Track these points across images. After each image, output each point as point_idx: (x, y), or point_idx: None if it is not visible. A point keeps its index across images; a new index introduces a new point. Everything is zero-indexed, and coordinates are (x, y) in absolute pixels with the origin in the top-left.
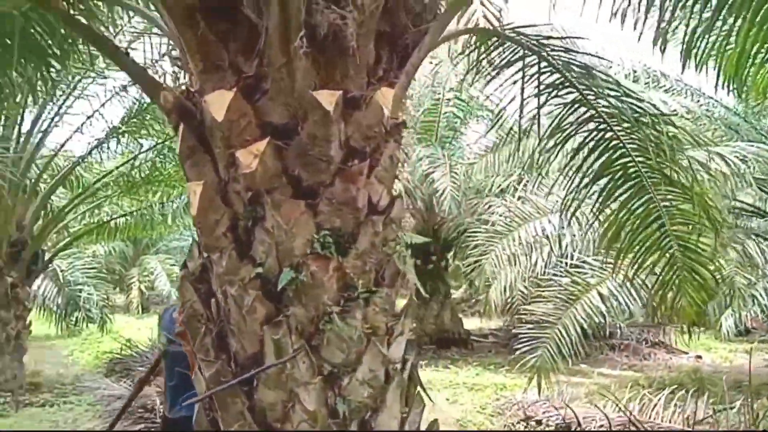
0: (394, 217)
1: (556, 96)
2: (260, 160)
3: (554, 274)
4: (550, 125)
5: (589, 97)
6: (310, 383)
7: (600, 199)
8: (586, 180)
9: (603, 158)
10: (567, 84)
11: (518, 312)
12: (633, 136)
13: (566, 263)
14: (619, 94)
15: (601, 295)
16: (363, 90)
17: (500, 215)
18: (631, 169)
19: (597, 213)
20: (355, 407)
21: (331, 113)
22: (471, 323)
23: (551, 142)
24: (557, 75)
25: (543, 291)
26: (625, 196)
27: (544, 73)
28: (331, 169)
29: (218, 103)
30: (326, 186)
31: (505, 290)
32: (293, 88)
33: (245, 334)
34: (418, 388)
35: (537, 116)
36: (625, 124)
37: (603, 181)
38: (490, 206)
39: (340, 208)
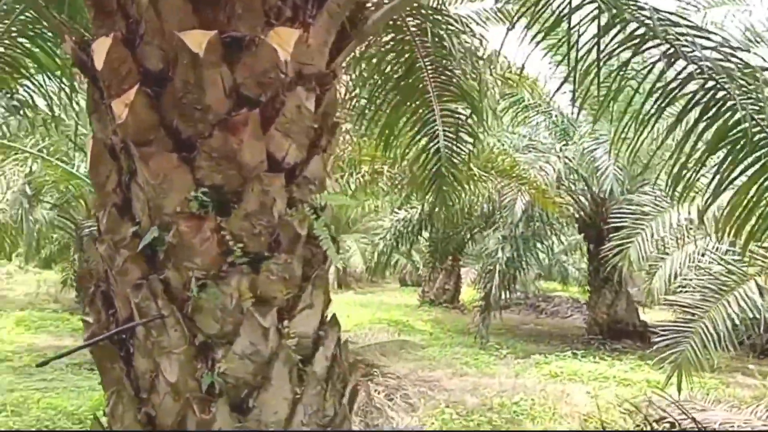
0: (309, 175)
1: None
2: (130, 109)
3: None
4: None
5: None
6: (173, 353)
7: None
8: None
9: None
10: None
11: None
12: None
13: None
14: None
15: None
16: (255, 31)
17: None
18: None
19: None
20: (231, 383)
21: (200, 56)
22: (659, 315)
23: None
24: None
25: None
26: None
27: None
28: (210, 120)
29: (100, 51)
30: (205, 138)
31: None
32: (162, 29)
33: (119, 296)
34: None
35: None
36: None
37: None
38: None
39: (220, 163)
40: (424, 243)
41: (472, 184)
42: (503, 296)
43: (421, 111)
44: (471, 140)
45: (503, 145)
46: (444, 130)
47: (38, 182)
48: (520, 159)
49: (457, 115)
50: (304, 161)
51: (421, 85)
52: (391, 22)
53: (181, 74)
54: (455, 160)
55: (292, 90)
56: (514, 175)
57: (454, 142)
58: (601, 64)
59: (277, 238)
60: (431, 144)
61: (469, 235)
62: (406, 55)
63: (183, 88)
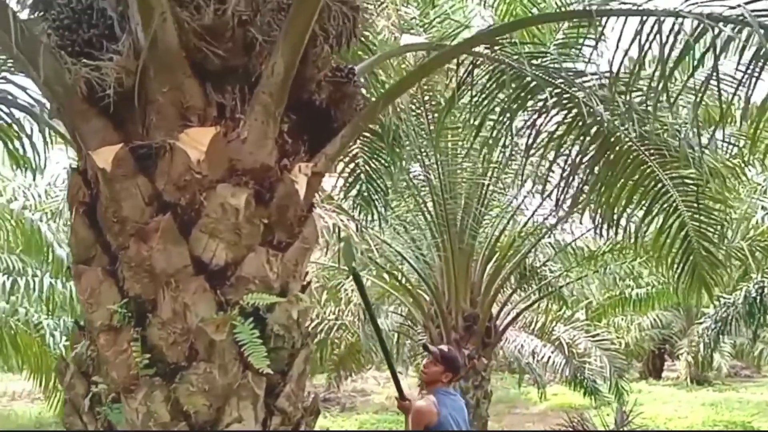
0: (246, 275)
1: None
2: (72, 230)
3: None
4: None
5: None
6: None
7: None
8: None
9: None
10: None
11: None
12: None
13: None
14: None
15: None
16: (173, 137)
17: None
18: None
19: None
20: None
21: (108, 171)
22: None
23: None
24: None
25: None
26: None
27: None
28: (128, 230)
29: None
30: (124, 249)
31: None
32: (84, 150)
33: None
34: None
35: None
36: None
37: None
38: None
39: (137, 272)
40: None
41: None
42: None
43: (647, 183)
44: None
45: None
46: (683, 200)
47: None
48: None
49: (692, 181)
50: (237, 261)
51: (633, 154)
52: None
53: (102, 190)
54: (707, 233)
55: (212, 189)
56: None
57: (699, 212)
58: None
59: (194, 346)
60: (670, 219)
61: None
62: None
63: (105, 204)
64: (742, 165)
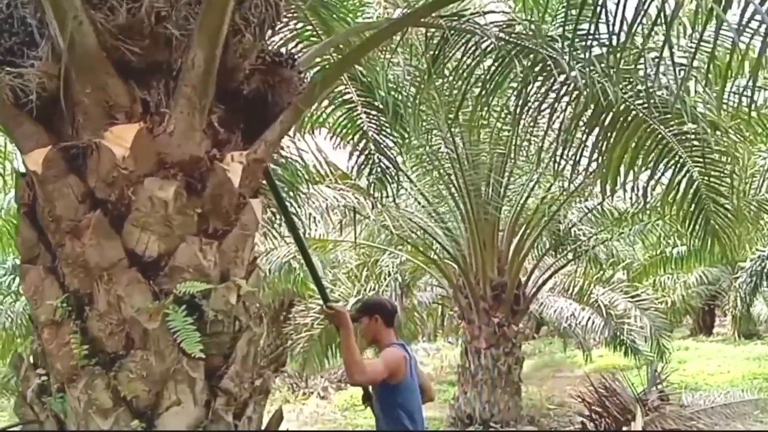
0: (180, 264)
1: None
2: (18, 232)
3: None
4: None
5: None
6: None
7: None
8: None
9: None
10: None
11: None
12: None
13: None
14: None
15: None
16: (99, 135)
17: None
18: None
19: None
20: None
21: (39, 173)
22: None
23: None
24: None
25: None
26: None
27: None
28: (63, 228)
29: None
30: (61, 246)
31: None
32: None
33: None
34: None
35: None
36: None
37: None
38: None
39: (74, 268)
40: None
41: None
42: None
43: (649, 143)
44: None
45: None
46: (690, 156)
47: None
48: None
49: (696, 136)
50: (170, 251)
51: (633, 113)
52: None
53: (37, 190)
54: (720, 188)
55: (140, 183)
56: None
57: (708, 167)
58: None
59: (130, 335)
60: (680, 176)
61: None
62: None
63: (42, 204)
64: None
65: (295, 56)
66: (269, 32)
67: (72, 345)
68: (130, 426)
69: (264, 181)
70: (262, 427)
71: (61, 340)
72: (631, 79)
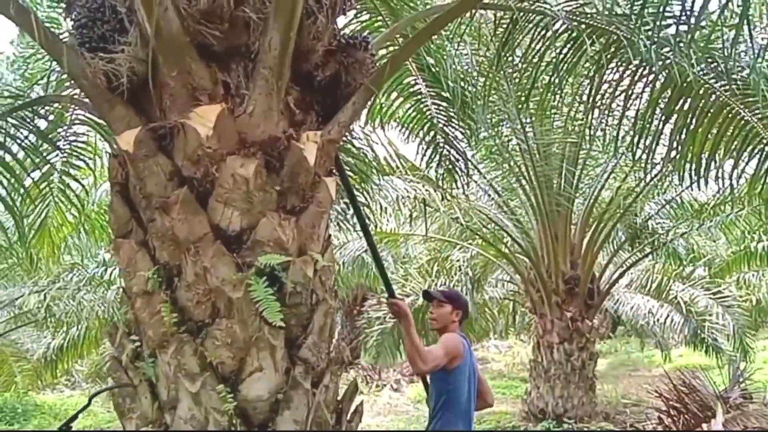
0: (260, 238)
1: None
2: (111, 209)
3: None
4: None
5: None
6: (139, 419)
7: None
8: None
9: None
10: None
11: None
12: None
13: None
14: None
15: None
16: (185, 116)
17: None
18: None
19: None
20: None
21: (130, 152)
22: None
23: None
24: None
25: None
26: None
27: None
28: (154, 205)
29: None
30: (152, 222)
31: None
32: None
33: None
34: None
35: None
36: None
37: None
38: None
39: (163, 242)
40: None
41: None
42: None
43: (732, 129)
44: None
45: None
46: None
47: None
48: None
49: None
50: (252, 226)
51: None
52: None
53: (130, 170)
54: None
55: (223, 161)
56: None
57: None
58: None
59: (216, 304)
60: (766, 164)
61: None
62: None
63: (133, 182)
64: None
65: (368, 38)
66: (341, 16)
67: (162, 313)
68: (216, 390)
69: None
70: (338, 397)
71: (152, 309)
72: (710, 59)
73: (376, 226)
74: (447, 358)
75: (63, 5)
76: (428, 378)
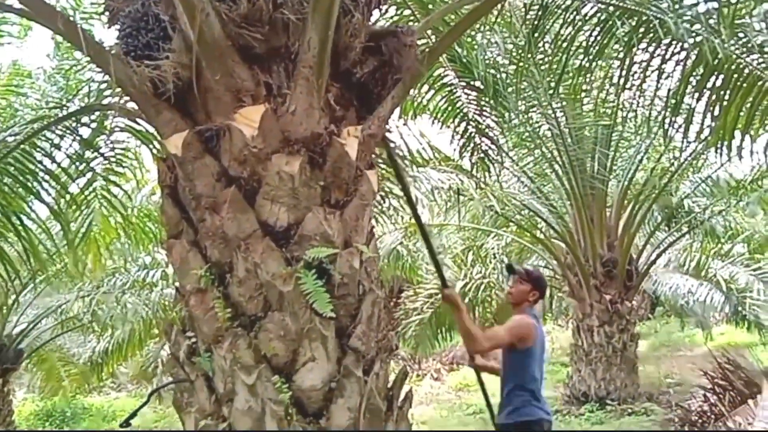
0: (307, 233)
1: None
2: (162, 209)
3: None
4: None
5: None
6: (197, 412)
7: None
8: None
9: None
10: None
11: None
12: None
13: None
14: None
15: None
16: (230, 118)
17: None
18: None
19: None
20: None
21: (179, 155)
22: None
23: None
24: None
25: None
26: None
27: None
28: (203, 204)
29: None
30: (202, 221)
31: None
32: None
33: None
34: None
35: None
36: None
37: None
38: None
39: (214, 240)
40: None
41: None
42: None
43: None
44: None
45: None
46: None
47: None
48: None
49: None
50: (299, 221)
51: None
52: None
53: (179, 172)
54: None
55: (268, 160)
56: None
57: None
58: None
59: (267, 298)
60: None
61: None
62: None
63: (183, 184)
64: None
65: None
66: (376, 12)
67: (216, 309)
68: (271, 381)
69: (378, 156)
70: (389, 384)
71: (206, 305)
72: (742, 34)
73: (410, 218)
74: (513, 339)
75: (100, 18)
76: (501, 358)
